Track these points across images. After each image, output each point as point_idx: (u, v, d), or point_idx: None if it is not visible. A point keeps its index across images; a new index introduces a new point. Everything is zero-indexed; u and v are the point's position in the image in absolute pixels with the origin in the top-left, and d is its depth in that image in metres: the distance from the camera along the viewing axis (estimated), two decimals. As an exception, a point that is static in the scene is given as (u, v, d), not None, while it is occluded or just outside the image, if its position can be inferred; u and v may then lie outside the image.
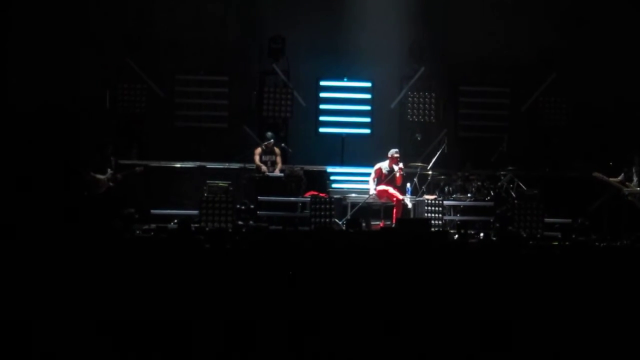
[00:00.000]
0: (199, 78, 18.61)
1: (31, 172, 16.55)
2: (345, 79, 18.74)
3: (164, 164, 17.72)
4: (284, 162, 17.49)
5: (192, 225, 14.26)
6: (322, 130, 18.69)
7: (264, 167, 16.99)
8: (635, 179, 16.22)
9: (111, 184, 16.07)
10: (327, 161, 18.11)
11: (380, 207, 16.79)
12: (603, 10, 18.41)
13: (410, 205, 16.61)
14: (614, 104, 18.15)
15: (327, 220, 16.04)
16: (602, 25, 18.29)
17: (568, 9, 18.66)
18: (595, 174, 16.42)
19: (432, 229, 15.09)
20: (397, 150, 16.75)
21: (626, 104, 18.04)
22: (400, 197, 16.54)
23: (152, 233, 14.22)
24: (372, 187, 16.63)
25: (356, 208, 16.69)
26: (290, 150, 18.09)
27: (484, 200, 16.99)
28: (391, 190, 16.53)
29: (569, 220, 16.73)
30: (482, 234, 15.76)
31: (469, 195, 17.01)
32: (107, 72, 18.17)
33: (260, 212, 16.62)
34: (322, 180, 17.73)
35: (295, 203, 17.00)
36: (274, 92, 18.37)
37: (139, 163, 17.09)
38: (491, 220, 16.71)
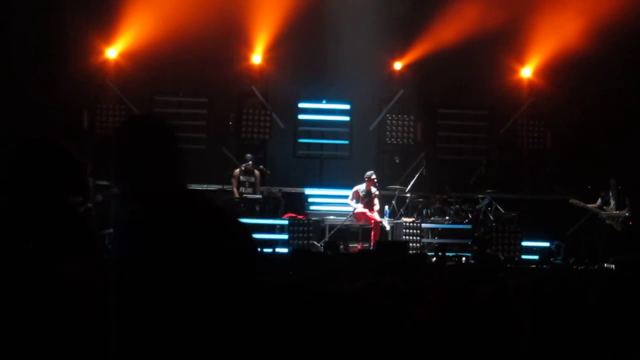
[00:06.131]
0: (178, 99, 18.60)
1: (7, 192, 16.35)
2: (324, 101, 18.76)
3: (142, 185, 17.57)
4: (262, 183, 17.44)
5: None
6: (300, 152, 18.67)
7: (237, 193, 16.87)
8: (612, 202, 16.28)
9: (89, 205, 15.95)
10: (305, 183, 18.08)
11: (359, 230, 16.78)
12: (581, 35, 18.49)
13: (388, 228, 16.60)
14: (591, 127, 18.18)
15: (306, 242, 15.99)
16: (581, 49, 18.34)
17: (545, 34, 18.73)
18: (572, 200, 16.48)
19: (410, 252, 15.05)
20: (372, 172, 16.73)
21: (603, 127, 18.08)
22: (379, 219, 16.52)
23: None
24: (353, 205, 16.59)
25: (334, 230, 16.65)
26: (268, 172, 18.02)
27: (462, 223, 16.95)
28: (369, 212, 16.51)
29: (547, 244, 16.77)
30: (464, 258, 15.61)
31: (447, 217, 16.98)
32: (85, 93, 18.08)
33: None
34: (300, 202, 17.69)
35: (274, 225, 16.93)
36: (253, 114, 18.35)
37: (117, 184, 16.96)
38: (469, 243, 16.69)
